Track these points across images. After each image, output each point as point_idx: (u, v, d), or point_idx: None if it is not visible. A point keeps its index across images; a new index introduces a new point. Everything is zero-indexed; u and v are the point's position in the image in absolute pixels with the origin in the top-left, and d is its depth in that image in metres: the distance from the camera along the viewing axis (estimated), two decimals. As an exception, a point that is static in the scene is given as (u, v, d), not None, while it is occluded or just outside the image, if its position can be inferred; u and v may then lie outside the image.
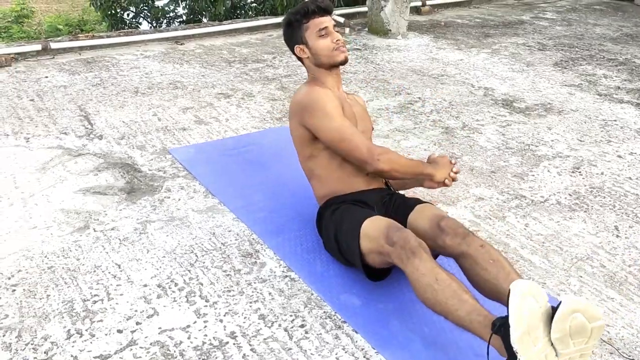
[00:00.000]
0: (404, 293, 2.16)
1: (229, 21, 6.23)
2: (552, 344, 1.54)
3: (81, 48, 4.95)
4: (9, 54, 4.60)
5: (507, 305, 1.55)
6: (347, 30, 5.76)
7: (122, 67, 4.59)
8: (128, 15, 11.89)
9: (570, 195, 2.90)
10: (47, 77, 4.33)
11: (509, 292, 1.55)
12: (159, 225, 2.56)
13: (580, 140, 3.52)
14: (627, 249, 2.49)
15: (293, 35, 2.36)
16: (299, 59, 2.41)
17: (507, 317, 1.56)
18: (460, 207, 2.77)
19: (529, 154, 3.32)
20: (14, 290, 2.14)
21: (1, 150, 3.19)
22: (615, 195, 2.91)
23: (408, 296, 2.15)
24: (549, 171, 3.14)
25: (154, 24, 11.81)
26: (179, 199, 2.77)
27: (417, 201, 2.26)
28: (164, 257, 2.35)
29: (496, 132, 3.61)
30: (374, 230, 2.00)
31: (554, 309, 1.54)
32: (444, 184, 2.23)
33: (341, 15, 6.03)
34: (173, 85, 4.24)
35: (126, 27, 11.11)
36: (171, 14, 12.03)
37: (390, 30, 5.61)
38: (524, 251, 2.45)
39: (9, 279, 2.20)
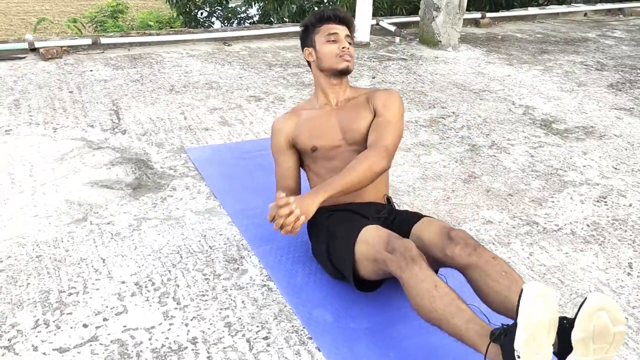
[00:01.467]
0: (381, 314, 2.09)
1: (279, 24, 6.26)
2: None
3: (131, 44, 5.09)
4: (62, 47, 4.78)
5: (517, 306, 1.49)
6: (397, 39, 5.67)
7: (165, 65, 4.68)
8: (202, 14, 12.23)
9: (588, 225, 2.72)
10: (91, 70, 4.47)
11: (521, 292, 1.49)
12: (154, 223, 2.58)
13: (615, 168, 3.31)
14: (635, 288, 2.30)
15: (306, 38, 2.38)
16: (308, 64, 2.42)
17: (511, 324, 1.52)
18: (464, 229, 2.65)
19: (555, 179, 3.15)
20: (-2, 275, 2.20)
21: (28, 138, 3.31)
22: (638, 230, 2.71)
23: (383, 317, 2.07)
24: (571, 198, 2.96)
25: (226, 24, 12.09)
26: (181, 199, 2.78)
27: (423, 215, 2.18)
28: (150, 255, 2.36)
29: (525, 153, 3.44)
30: (374, 237, 1.95)
31: (562, 320, 1.50)
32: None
33: (394, 23, 5.94)
34: (209, 85, 4.29)
35: (199, 26, 11.42)
36: (242, 15, 12.27)
37: (440, 41, 5.48)
38: (521, 281, 2.31)
39: (-3, 264, 2.27)
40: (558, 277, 2.35)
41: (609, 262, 2.46)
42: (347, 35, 2.31)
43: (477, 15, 6.58)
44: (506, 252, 2.50)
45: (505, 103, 4.23)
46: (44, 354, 1.86)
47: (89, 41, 4.87)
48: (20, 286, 2.15)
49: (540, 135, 3.70)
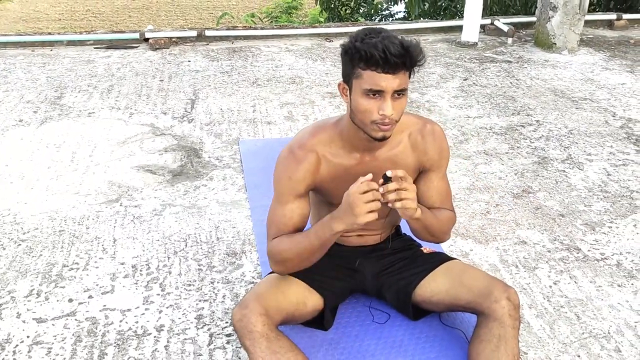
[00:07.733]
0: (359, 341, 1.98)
1: (385, 22, 6.14)
2: None
3: (236, 37, 5.27)
4: (170, 38, 5.07)
5: None
6: (509, 40, 5.32)
7: (260, 58, 4.79)
8: (345, 10, 12.38)
9: (641, 258, 2.38)
10: (189, 61, 4.69)
11: None
12: (177, 210, 2.66)
13: None
14: (667, 337, 1.98)
15: (343, 67, 1.69)
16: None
17: None
18: (490, 247, 2.43)
19: (624, 202, 2.78)
20: (20, 244, 2.39)
21: (105, 121, 3.56)
22: (703, 270, 2.32)
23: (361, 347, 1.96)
24: (634, 226, 2.60)
25: (366, 20, 12.13)
26: (213, 189, 2.84)
27: (434, 259, 1.92)
28: (157, 240, 2.44)
29: (602, 170, 3.08)
30: (266, 283, 1.82)
31: None
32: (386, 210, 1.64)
33: (511, 23, 5.57)
34: (292, 79, 4.32)
35: (341, 22, 11.57)
36: (384, 12, 12.24)
37: (555, 44, 5.05)
38: (529, 311, 2.08)
39: (24, 233, 2.46)
40: (576, 312, 2.08)
41: (648, 303, 2.13)
42: (399, 91, 1.59)
43: (612, 16, 5.99)
44: (527, 277, 2.25)
45: (603, 114, 3.81)
46: (24, 321, 1.99)
47: (194, 33, 5.12)
48: (33, 257, 2.32)
49: (630, 152, 3.29)
